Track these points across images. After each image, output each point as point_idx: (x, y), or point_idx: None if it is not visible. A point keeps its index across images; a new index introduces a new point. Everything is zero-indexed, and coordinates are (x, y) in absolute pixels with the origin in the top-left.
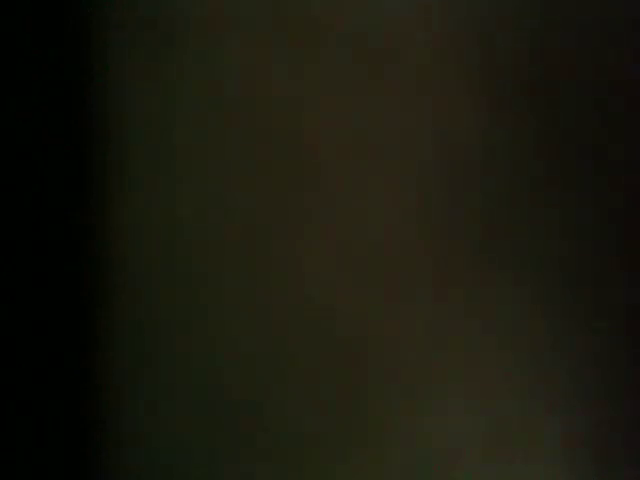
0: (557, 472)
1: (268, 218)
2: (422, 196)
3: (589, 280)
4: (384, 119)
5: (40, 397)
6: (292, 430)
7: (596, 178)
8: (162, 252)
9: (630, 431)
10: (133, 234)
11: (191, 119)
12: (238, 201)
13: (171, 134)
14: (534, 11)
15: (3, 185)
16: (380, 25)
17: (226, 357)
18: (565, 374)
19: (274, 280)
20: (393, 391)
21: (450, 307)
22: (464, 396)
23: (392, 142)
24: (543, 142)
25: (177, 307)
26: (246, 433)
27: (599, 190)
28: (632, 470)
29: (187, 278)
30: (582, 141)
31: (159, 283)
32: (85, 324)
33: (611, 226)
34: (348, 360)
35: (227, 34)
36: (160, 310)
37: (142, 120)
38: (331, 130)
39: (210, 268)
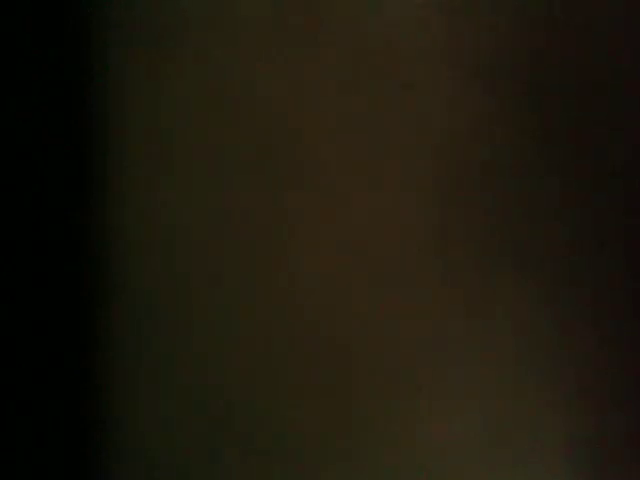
0: (557, 472)
1: (267, 218)
2: (422, 196)
3: (589, 280)
4: (384, 119)
5: (40, 397)
6: (292, 430)
7: (596, 178)
8: (162, 252)
9: (630, 431)
10: (133, 234)
11: (191, 119)
12: (238, 201)
13: (171, 134)
14: (534, 11)
15: (3, 185)
16: (380, 25)
17: (226, 357)
18: (565, 374)
19: (274, 280)
20: (393, 391)
21: (450, 307)
22: (464, 396)
23: (392, 142)
24: (543, 142)
25: (177, 307)
26: (246, 433)
27: (599, 190)
28: (632, 470)
29: (187, 278)
30: (582, 141)
31: (159, 283)
32: (85, 324)
33: (611, 226)
34: (348, 360)
35: (227, 34)
36: (160, 310)
37: (142, 120)
38: (331, 130)
39: (210, 268)
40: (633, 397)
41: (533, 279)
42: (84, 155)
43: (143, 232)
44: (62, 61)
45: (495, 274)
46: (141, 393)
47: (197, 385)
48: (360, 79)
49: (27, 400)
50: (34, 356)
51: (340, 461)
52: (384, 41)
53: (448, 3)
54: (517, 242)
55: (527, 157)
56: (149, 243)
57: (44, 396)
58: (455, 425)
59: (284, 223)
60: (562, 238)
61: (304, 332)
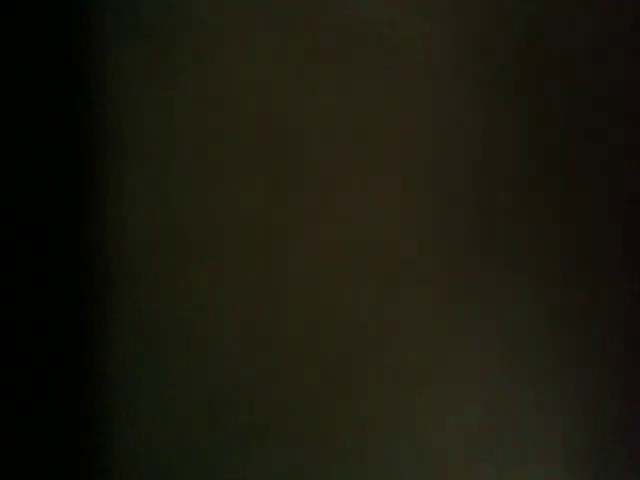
0: (557, 472)
1: (268, 218)
2: (422, 196)
3: (589, 280)
4: (384, 119)
5: (40, 397)
6: (292, 429)
7: (596, 177)
8: (162, 252)
9: (630, 431)
10: (133, 234)
11: (191, 120)
12: (238, 201)
13: (171, 135)
14: (534, 11)
15: (3, 185)
16: (380, 26)
17: (226, 357)
18: (565, 374)
19: (274, 280)
20: (393, 391)
21: (450, 307)
22: (464, 396)
23: (392, 142)
24: (543, 142)
25: (177, 307)
26: (246, 433)
27: (599, 190)
28: (632, 470)
29: (187, 278)
30: (582, 141)
31: (158, 283)
32: (85, 324)
33: (611, 226)
34: (348, 360)
35: (227, 35)
36: (160, 310)
37: (142, 121)
38: (331, 130)
39: (210, 268)
40: (633, 397)
41: (533, 279)
42: (84, 155)
43: (143, 232)
44: (62, 62)
45: (494, 274)
46: (141, 393)
47: (197, 384)
48: (361, 80)
49: (27, 400)
50: (34, 356)
51: (340, 461)
52: (385, 42)
53: (449, 5)
54: (516, 242)
55: (527, 157)
56: (149, 243)
57: (44, 396)
58: (454, 425)
59: (284, 223)
60: (561, 238)
61: (304, 331)
